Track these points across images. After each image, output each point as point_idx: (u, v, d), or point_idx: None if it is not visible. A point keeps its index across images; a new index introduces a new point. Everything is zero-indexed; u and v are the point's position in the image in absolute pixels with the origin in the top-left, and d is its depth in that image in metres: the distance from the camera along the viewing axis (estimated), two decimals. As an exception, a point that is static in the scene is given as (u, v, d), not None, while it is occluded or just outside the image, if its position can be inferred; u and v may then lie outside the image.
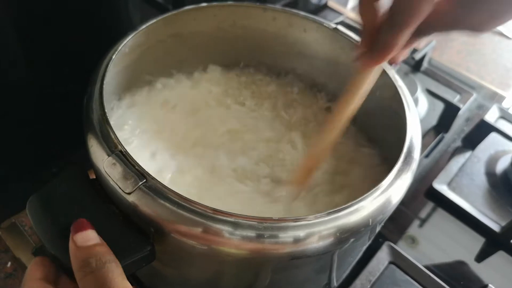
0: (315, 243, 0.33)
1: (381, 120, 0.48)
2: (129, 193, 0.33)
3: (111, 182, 0.34)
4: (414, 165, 0.39)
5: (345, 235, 0.34)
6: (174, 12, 0.50)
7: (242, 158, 0.48)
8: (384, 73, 0.45)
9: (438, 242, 0.61)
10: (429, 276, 0.53)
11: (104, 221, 0.34)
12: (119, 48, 0.43)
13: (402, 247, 0.57)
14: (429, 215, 0.64)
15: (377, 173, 0.48)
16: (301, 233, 0.33)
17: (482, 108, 0.81)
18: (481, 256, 0.61)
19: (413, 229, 0.61)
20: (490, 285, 0.53)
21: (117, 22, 0.53)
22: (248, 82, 0.59)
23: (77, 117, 0.40)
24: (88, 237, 0.31)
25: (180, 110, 0.52)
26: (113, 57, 0.42)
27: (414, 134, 0.41)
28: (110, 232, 0.33)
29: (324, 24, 0.51)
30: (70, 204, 0.35)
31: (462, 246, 0.61)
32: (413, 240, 0.60)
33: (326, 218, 0.33)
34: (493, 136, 0.73)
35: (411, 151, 0.39)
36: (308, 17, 0.52)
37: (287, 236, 0.32)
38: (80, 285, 0.29)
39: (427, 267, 0.55)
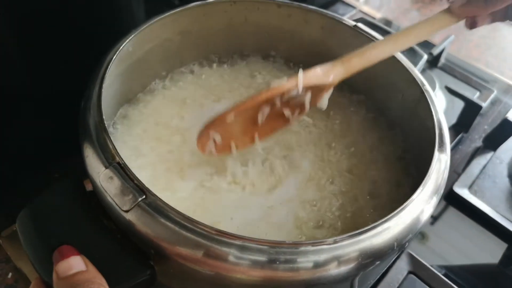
0: (335, 269, 0.28)
1: (405, 126, 0.42)
2: (126, 211, 0.28)
3: (108, 198, 0.29)
4: (444, 177, 0.33)
5: (369, 260, 0.28)
6: (182, 8, 0.45)
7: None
8: (410, 76, 0.39)
9: (450, 240, 0.55)
10: (452, 287, 0.47)
11: (100, 241, 0.29)
12: (121, 47, 0.38)
13: (413, 246, 0.52)
14: (441, 213, 0.58)
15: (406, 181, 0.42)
16: (320, 258, 0.27)
17: (503, 106, 0.74)
18: (504, 263, 0.54)
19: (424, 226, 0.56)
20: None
21: (120, 19, 0.47)
22: (260, 80, 0.53)
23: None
24: (70, 265, 0.26)
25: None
26: (114, 57, 0.37)
27: (443, 142, 0.35)
28: (106, 253, 0.29)
29: (343, 22, 0.45)
30: (63, 221, 0.30)
31: (482, 250, 0.55)
32: (423, 236, 0.55)
33: (348, 242, 0.28)
34: (516, 136, 0.65)
35: (440, 164, 0.33)
36: (326, 14, 0.46)
37: (304, 261, 0.27)
38: None
39: (447, 275, 0.49)
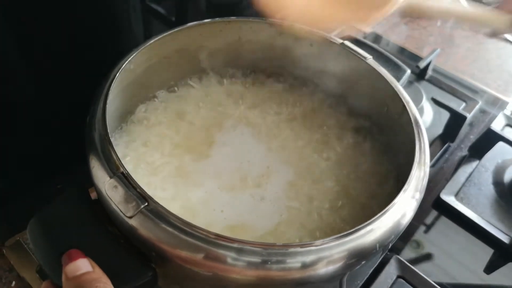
0: (323, 268, 0.30)
1: (390, 136, 0.45)
2: (130, 217, 0.31)
3: (113, 205, 0.32)
4: (423, 183, 0.36)
5: (355, 260, 0.31)
6: (179, 28, 0.48)
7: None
8: (393, 90, 0.42)
9: (443, 247, 0.57)
10: (439, 290, 0.50)
11: (105, 245, 0.32)
12: (123, 65, 0.41)
13: (406, 253, 0.54)
14: (434, 221, 0.61)
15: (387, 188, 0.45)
16: (308, 259, 0.30)
17: (488, 116, 0.77)
18: (490, 268, 0.57)
19: (419, 234, 0.58)
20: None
21: (120, 36, 0.50)
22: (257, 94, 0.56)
23: (81, 132, 0.37)
24: (78, 267, 0.29)
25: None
26: (117, 74, 0.40)
27: (423, 151, 0.38)
28: (111, 257, 0.31)
29: (330, 40, 0.48)
30: (71, 228, 0.32)
31: (470, 255, 0.57)
32: (418, 245, 0.57)
33: (334, 243, 0.30)
34: (500, 145, 0.68)
35: (419, 172, 0.36)
36: (314, 32, 0.49)
37: (293, 262, 0.30)
38: None
39: (438, 282, 0.52)
